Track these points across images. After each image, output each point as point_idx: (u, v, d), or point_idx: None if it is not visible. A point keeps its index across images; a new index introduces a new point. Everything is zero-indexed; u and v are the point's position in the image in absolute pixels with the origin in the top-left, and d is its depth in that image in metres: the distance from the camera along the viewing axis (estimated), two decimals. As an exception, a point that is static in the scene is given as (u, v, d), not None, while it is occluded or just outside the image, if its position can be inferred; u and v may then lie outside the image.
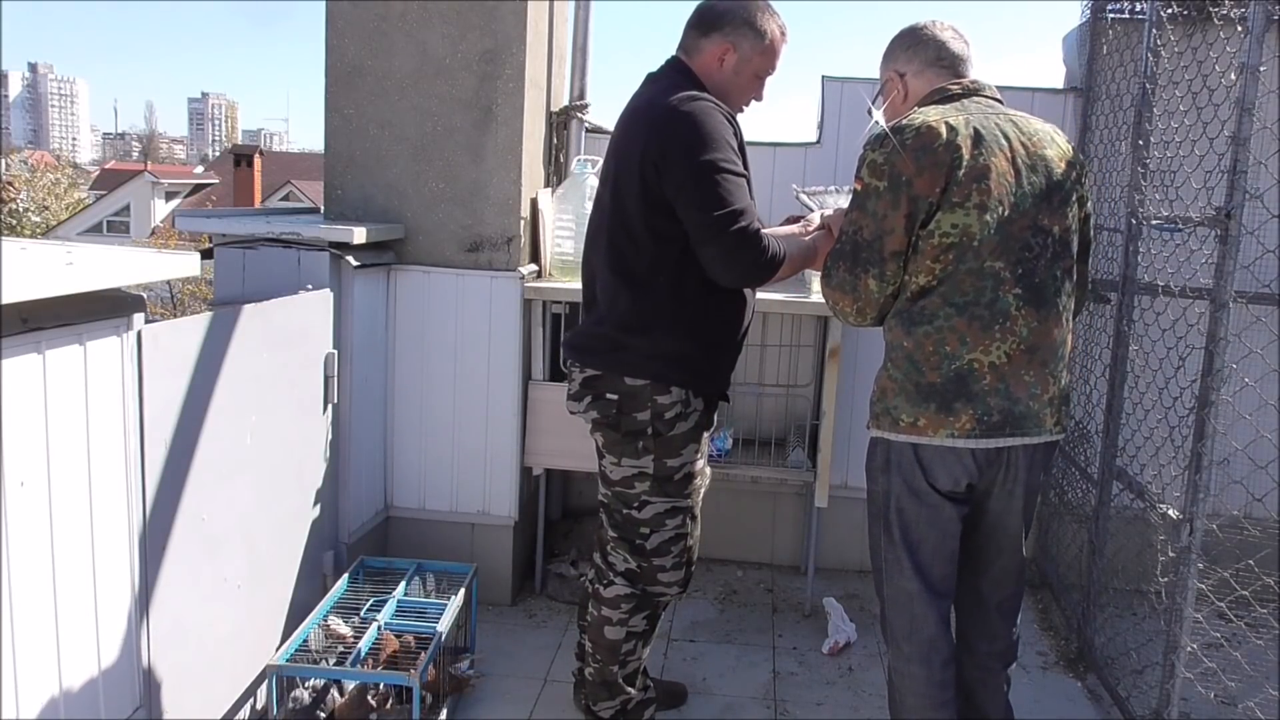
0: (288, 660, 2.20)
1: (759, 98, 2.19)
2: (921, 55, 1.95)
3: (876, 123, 1.99)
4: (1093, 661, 2.70)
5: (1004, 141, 1.80)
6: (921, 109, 1.85)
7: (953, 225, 1.76)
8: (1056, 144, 1.87)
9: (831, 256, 1.91)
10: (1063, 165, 1.85)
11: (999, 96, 1.92)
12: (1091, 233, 1.98)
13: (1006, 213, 1.77)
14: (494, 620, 2.92)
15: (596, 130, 3.31)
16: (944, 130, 1.77)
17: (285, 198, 25.89)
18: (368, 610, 2.45)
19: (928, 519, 1.87)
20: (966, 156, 1.76)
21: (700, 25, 2.10)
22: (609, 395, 2.08)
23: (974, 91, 1.89)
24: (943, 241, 1.77)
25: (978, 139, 1.77)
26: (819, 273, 2.87)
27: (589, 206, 2.92)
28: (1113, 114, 2.93)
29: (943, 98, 1.88)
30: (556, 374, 3.01)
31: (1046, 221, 1.82)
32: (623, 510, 2.14)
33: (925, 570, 1.89)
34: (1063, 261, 1.85)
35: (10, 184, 26.21)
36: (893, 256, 1.80)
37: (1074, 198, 1.87)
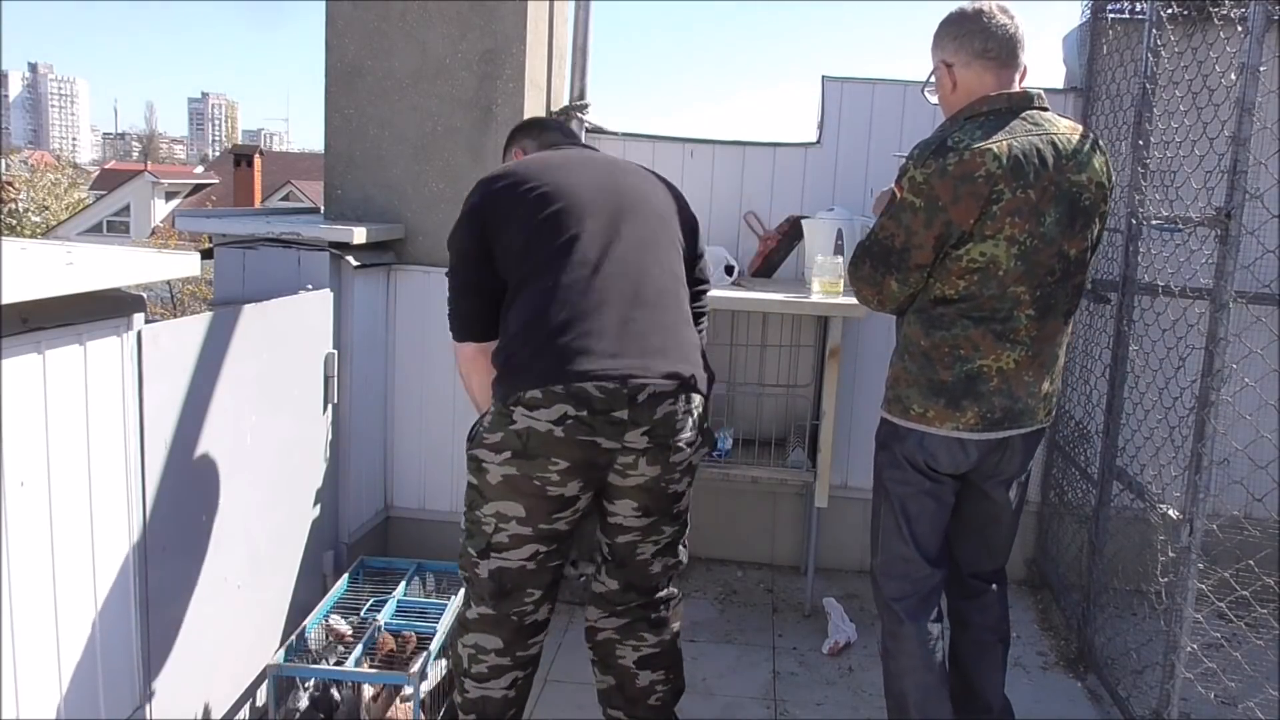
0: (288, 660, 2.20)
1: None
2: (968, 46, 1.89)
3: (934, 105, 1.99)
4: (1093, 661, 2.70)
5: (1041, 170, 1.80)
6: (969, 128, 1.82)
7: (981, 254, 1.82)
8: (1091, 165, 1.87)
9: (861, 250, 1.96)
10: (1092, 188, 1.88)
11: (1045, 104, 1.90)
12: (1101, 241, 2.01)
13: (1035, 243, 1.83)
14: (494, 620, 2.92)
15: (597, 130, 3.31)
16: (988, 161, 1.77)
17: (285, 198, 25.88)
18: (368, 610, 2.45)
19: (928, 491, 1.98)
20: (1005, 191, 1.78)
21: None
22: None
23: (1023, 105, 1.86)
24: (970, 265, 1.84)
25: (1017, 170, 1.78)
26: (817, 274, 2.88)
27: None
28: (1113, 114, 2.93)
29: (992, 111, 1.85)
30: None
31: (1068, 247, 1.87)
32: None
33: (921, 541, 2.00)
34: (1075, 278, 1.93)
35: (10, 184, 26.20)
36: (917, 268, 1.88)
37: (1095, 217, 1.91)
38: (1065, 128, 1.88)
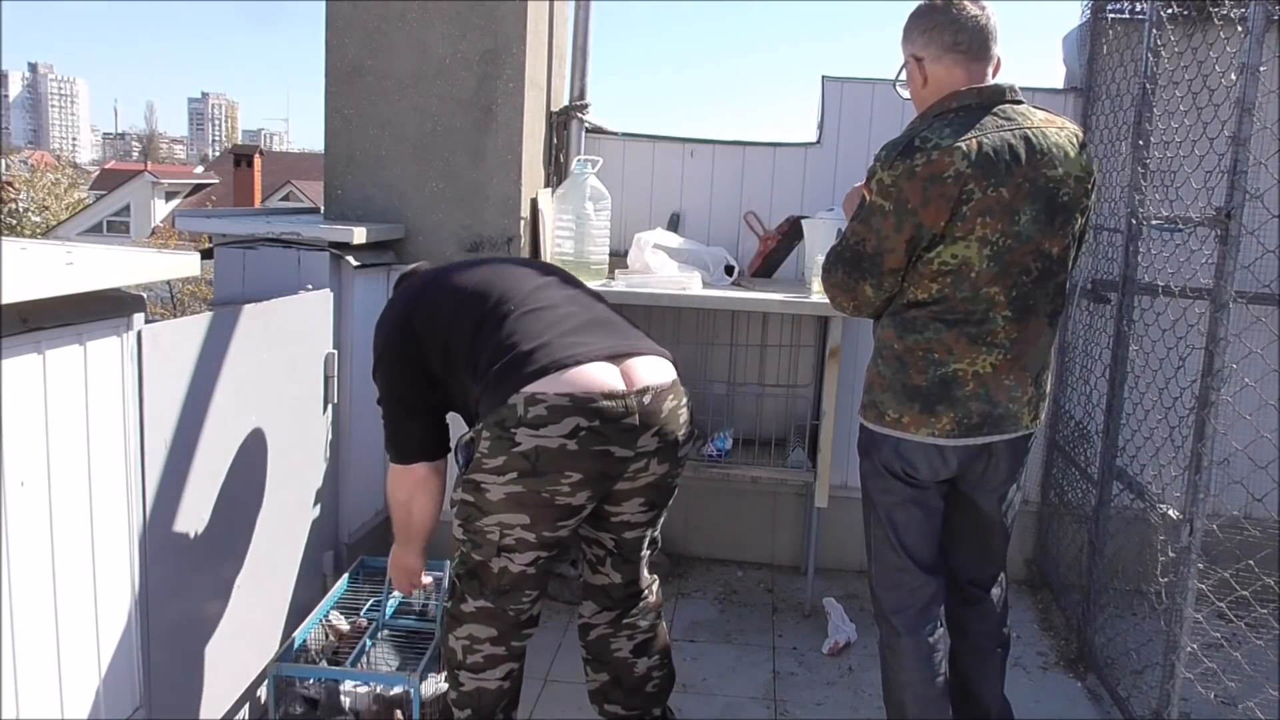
0: (287, 660, 2.20)
1: None
2: (938, 40, 1.85)
3: (903, 95, 1.98)
4: (1093, 661, 2.70)
5: (1014, 166, 1.76)
6: (938, 125, 1.78)
7: (953, 256, 1.78)
8: (1069, 159, 1.82)
9: (833, 255, 1.92)
10: (1071, 183, 1.82)
11: (1019, 98, 1.85)
12: (1085, 235, 1.98)
13: (1008, 243, 1.78)
14: (494, 620, 2.92)
15: (597, 130, 3.31)
16: (957, 160, 1.73)
17: (285, 198, 25.88)
18: (368, 610, 2.45)
19: (912, 499, 1.94)
20: (975, 190, 1.74)
21: None
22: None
23: (995, 100, 1.81)
24: (941, 267, 1.80)
25: (988, 168, 1.74)
26: (817, 274, 2.88)
27: (589, 206, 2.93)
28: (1113, 114, 2.93)
29: (961, 107, 1.81)
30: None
31: (1047, 245, 1.83)
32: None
33: (913, 550, 1.96)
34: (1057, 277, 1.88)
35: (10, 184, 26.21)
36: (890, 272, 1.84)
37: (1077, 212, 1.86)
38: (1040, 120, 1.82)
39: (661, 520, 2.02)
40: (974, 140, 1.75)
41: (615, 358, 1.79)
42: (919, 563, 1.96)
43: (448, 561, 2.56)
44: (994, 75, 1.88)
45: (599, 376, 1.74)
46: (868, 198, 1.82)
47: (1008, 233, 1.77)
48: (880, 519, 1.98)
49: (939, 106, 1.84)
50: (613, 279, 2.96)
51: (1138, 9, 2.98)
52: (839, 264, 1.90)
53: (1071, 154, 1.83)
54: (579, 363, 1.74)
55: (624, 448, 1.77)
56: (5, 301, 1.33)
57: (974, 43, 1.84)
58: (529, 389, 1.71)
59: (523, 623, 1.92)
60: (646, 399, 1.78)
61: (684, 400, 1.88)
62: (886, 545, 1.98)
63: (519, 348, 1.77)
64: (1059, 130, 1.84)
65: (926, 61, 1.87)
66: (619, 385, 1.75)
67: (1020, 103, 1.85)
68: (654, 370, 1.82)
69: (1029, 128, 1.80)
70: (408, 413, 1.95)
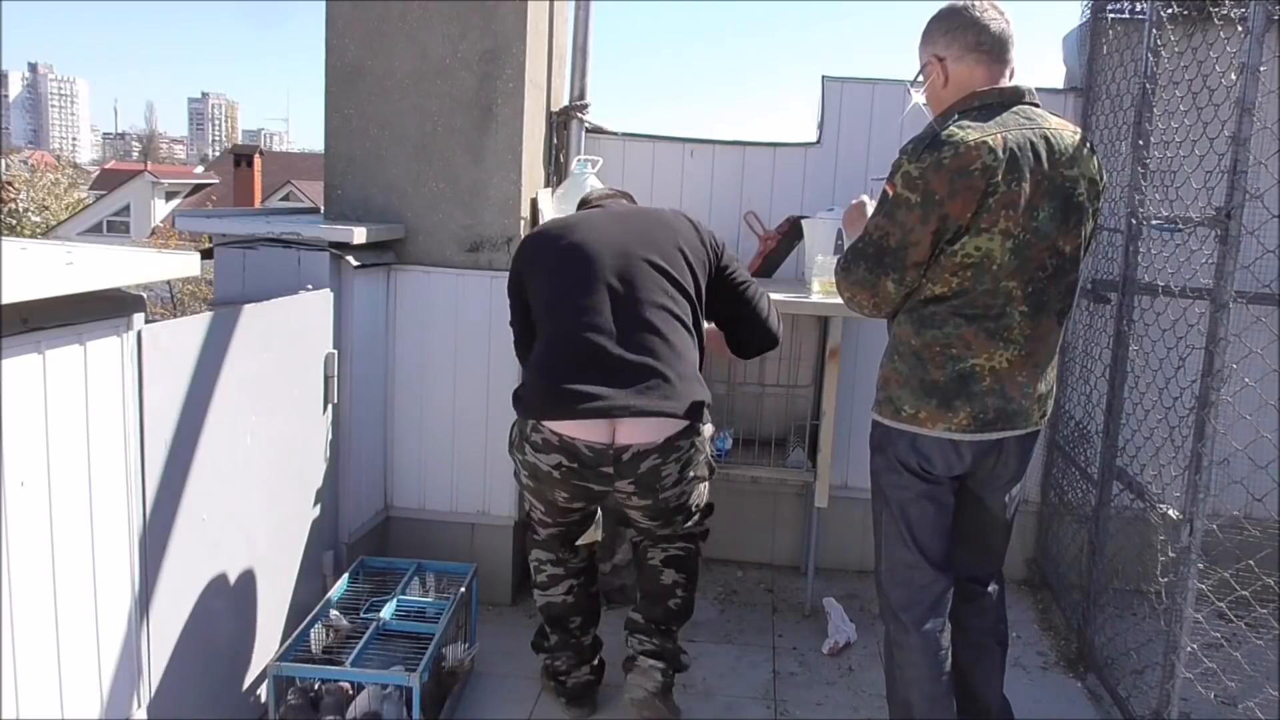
0: (288, 660, 2.20)
1: None
2: (960, 40, 1.89)
3: (915, 105, 2.01)
4: (1093, 661, 2.70)
5: (1035, 164, 1.79)
6: (963, 121, 1.81)
7: (976, 248, 1.80)
8: (1083, 160, 1.86)
9: (852, 254, 1.93)
10: (1084, 184, 1.87)
11: (1036, 100, 1.89)
12: (1093, 239, 2.00)
13: (1029, 238, 1.81)
14: (494, 620, 2.92)
15: (597, 130, 3.31)
16: (984, 154, 1.75)
17: (285, 198, 25.87)
18: (367, 610, 2.45)
19: (927, 494, 1.95)
20: (1000, 183, 1.76)
21: None
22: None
23: (1014, 100, 1.86)
24: (964, 260, 1.82)
25: (1012, 163, 1.77)
26: (817, 274, 2.88)
27: (589, 206, 2.93)
28: (1113, 114, 2.93)
29: (983, 105, 1.84)
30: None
31: (1062, 243, 1.86)
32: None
33: (925, 545, 1.97)
34: (1068, 276, 1.91)
35: (10, 184, 26.19)
36: (914, 266, 1.85)
37: (1089, 214, 1.90)
38: (1056, 124, 1.87)
39: (691, 521, 2.36)
40: (999, 135, 1.79)
41: (614, 414, 2.06)
42: (930, 559, 1.97)
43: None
44: (1010, 81, 1.91)
45: (587, 430, 2.09)
46: (891, 192, 1.84)
47: (1027, 228, 1.81)
48: (894, 515, 1.98)
49: (961, 104, 1.88)
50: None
51: (1138, 9, 2.98)
52: (860, 260, 1.90)
53: (1086, 157, 1.88)
54: (579, 416, 2.07)
55: (601, 484, 2.16)
56: (5, 301, 1.33)
57: (995, 45, 1.89)
58: (538, 419, 2.12)
59: (567, 555, 2.41)
60: (625, 455, 2.10)
61: (676, 456, 2.15)
62: (899, 541, 1.98)
63: (548, 371, 2.12)
64: (1073, 134, 1.88)
65: (949, 61, 1.91)
66: (602, 440, 2.09)
67: (1037, 105, 1.89)
68: (643, 432, 2.09)
69: (1048, 129, 1.84)
70: (511, 316, 2.40)
